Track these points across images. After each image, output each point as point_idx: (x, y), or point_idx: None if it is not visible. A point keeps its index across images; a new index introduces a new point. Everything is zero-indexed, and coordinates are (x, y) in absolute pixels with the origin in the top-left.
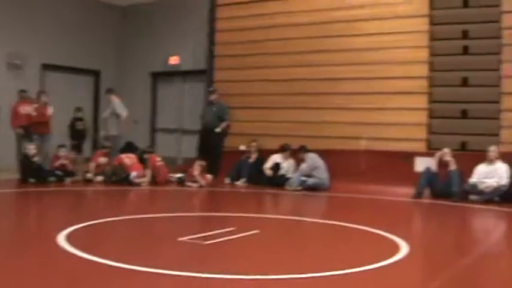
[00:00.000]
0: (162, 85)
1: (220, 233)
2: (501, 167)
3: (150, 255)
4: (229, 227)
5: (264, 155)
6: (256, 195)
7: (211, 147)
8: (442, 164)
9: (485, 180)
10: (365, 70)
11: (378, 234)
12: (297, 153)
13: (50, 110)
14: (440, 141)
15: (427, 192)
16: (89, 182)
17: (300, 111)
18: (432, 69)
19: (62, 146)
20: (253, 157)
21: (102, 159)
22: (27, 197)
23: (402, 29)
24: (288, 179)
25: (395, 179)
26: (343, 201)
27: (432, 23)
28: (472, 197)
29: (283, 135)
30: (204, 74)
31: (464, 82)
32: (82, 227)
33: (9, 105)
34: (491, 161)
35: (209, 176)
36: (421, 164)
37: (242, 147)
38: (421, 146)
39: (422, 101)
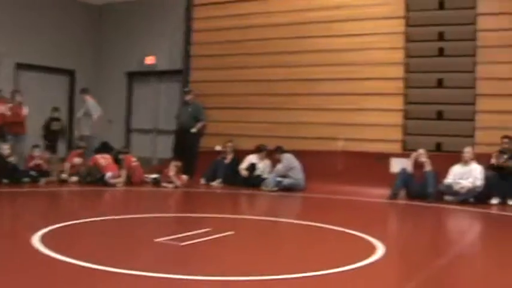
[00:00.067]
0: (138, 85)
1: (197, 234)
2: (476, 168)
3: (127, 257)
4: (205, 228)
5: (239, 155)
6: (231, 195)
7: (187, 148)
8: (418, 165)
9: (460, 181)
10: (341, 71)
11: (354, 235)
12: (272, 154)
13: (25, 110)
14: (415, 142)
15: (402, 193)
16: (63, 182)
17: (277, 112)
18: (408, 70)
19: (36, 146)
20: (229, 158)
21: (77, 160)
22: (0, 198)
23: (378, 30)
24: (263, 179)
25: (371, 180)
26: (318, 201)
27: (408, 25)
28: (447, 197)
29: (259, 136)
30: (180, 74)
31: (440, 84)
32: (57, 228)
33: None
34: (466, 162)
35: (184, 177)
36: (397, 165)
37: (218, 148)
38: (396, 147)
39: (398, 102)
